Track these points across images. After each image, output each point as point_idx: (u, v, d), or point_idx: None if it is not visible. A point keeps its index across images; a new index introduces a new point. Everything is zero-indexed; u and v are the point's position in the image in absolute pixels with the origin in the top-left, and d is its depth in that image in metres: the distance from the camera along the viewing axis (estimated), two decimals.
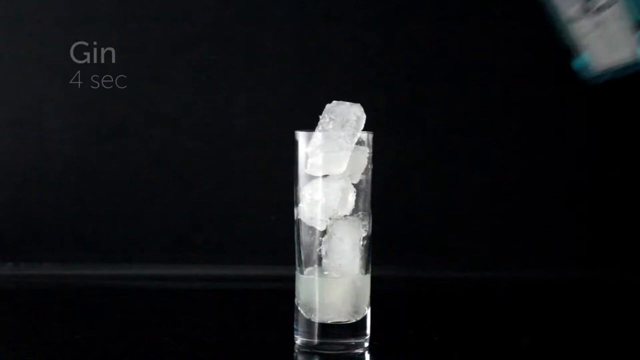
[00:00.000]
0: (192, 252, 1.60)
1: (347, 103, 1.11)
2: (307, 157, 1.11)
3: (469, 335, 1.23)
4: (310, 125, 1.12)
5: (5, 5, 1.57)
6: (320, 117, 1.11)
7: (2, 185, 1.58)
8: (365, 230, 1.12)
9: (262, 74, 1.59)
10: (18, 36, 1.57)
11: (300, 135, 1.12)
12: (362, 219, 1.12)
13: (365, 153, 1.11)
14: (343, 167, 1.10)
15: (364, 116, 1.11)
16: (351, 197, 1.11)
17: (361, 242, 1.12)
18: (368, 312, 1.14)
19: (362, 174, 1.12)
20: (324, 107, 1.12)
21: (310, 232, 1.11)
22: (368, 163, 1.12)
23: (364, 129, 1.11)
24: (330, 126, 1.10)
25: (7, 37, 1.57)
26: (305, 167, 1.11)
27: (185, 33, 1.59)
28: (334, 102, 1.11)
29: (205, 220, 1.60)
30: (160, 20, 1.58)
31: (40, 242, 1.58)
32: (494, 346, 1.19)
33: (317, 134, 1.10)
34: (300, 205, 1.12)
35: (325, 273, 1.11)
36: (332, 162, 1.10)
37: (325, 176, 1.10)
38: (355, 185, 1.11)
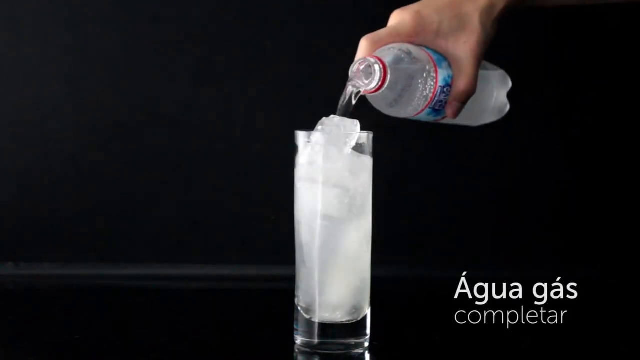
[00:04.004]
0: (192, 252, 1.59)
1: (341, 117, 1.11)
2: (296, 167, 1.12)
3: (469, 335, 1.23)
4: (310, 125, 1.12)
5: (5, 5, 1.57)
6: (314, 130, 1.11)
7: (2, 185, 1.58)
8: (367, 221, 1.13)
9: (262, 74, 1.59)
10: (18, 36, 1.57)
11: (300, 135, 1.12)
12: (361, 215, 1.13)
13: (367, 164, 1.12)
14: (332, 180, 1.10)
15: (358, 129, 1.11)
16: (347, 202, 1.11)
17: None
18: (368, 312, 1.14)
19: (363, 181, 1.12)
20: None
21: (311, 233, 1.11)
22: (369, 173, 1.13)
23: (364, 129, 1.11)
24: (322, 140, 1.10)
25: (7, 37, 1.57)
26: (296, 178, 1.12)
27: (185, 33, 1.58)
28: (331, 116, 1.11)
29: (205, 220, 1.60)
30: (160, 20, 1.58)
31: (40, 242, 1.58)
32: (494, 346, 1.19)
33: (308, 147, 1.11)
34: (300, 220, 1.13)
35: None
36: (317, 173, 1.10)
37: (324, 182, 1.10)
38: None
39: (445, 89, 1.05)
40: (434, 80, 1.04)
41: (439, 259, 1.59)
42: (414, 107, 1.05)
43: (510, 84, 1.17)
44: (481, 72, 1.10)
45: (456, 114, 1.06)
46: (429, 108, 1.05)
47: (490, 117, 1.18)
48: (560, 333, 1.23)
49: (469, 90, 1.06)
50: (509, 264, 1.58)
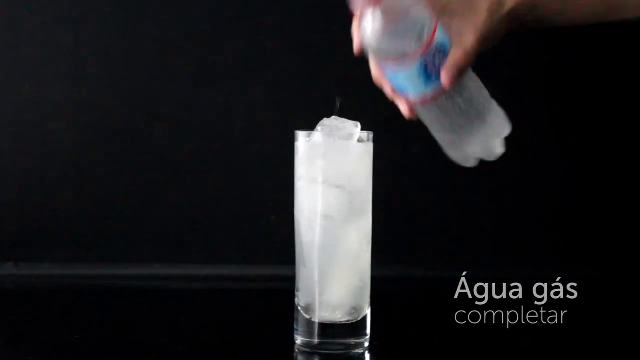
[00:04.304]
0: (192, 252, 1.60)
1: (342, 119, 1.11)
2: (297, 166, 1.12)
3: (469, 335, 1.23)
4: (310, 125, 1.12)
5: (6, 5, 1.57)
6: (314, 130, 1.11)
7: (2, 186, 1.58)
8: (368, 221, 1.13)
9: (262, 74, 1.59)
10: (18, 36, 1.57)
11: (300, 135, 1.12)
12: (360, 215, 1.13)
13: (367, 164, 1.12)
14: (332, 180, 1.10)
15: (359, 129, 1.10)
16: (347, 202, 1.11)
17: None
18: (368, 312, 1.14)
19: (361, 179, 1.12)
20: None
21: (311, 233, 1.11)
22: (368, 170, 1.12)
23: (365, 129, 1.11)
24: (322, 140, 1.10)
25: (8, 37, 1.57)
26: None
27: (185, 33, 1.59)
28: (332, 117, 1.11)
29: (205, 220, 1.60)
30: (160, 20, 1.58)
31: (40, 242, 1.58)
32: (494, 346, 1.19)
33: (308, 147, 1.11)
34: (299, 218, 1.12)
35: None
36: (317, 173, 1.10)
37: (324, 182, 1.10)
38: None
39: (440, 52, 1.02)
40: (432, 30, 1.01)
41: (439, 259, 1.59)
42: (406, 44, 1.01)
43: (508, 130, 1.13)
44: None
45: (451, 81, 1.04)
46: (421, 61, 1.02)
47: (480, 150, 1.14)
48: (560, 333, 1.23)
49: (465, 60, 1.04)
50: (509, 264, 1.58)
